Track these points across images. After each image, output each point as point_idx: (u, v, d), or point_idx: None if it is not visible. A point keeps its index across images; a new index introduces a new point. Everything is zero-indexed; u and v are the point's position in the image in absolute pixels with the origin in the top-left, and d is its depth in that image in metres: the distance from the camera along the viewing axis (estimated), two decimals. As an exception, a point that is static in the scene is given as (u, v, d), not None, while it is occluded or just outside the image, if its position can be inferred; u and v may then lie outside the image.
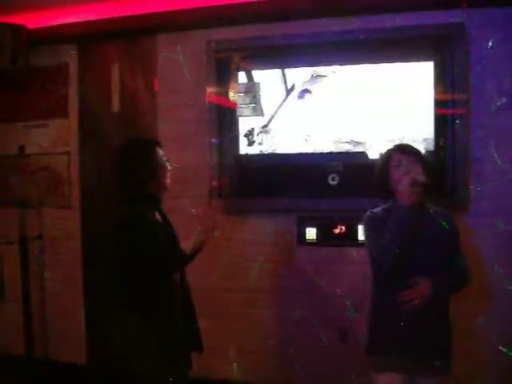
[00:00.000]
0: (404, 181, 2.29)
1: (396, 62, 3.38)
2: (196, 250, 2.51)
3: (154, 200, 2.52)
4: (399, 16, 3.31)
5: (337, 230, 3.48)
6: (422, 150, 2.78)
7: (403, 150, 2.43)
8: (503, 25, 3.25)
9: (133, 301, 2.42)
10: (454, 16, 3.25)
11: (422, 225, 2.35)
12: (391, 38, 3.33)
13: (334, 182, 3.46)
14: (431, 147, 3.29)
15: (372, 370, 2.46)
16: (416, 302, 2.31)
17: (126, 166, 2.51)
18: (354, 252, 3.40)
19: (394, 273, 2.32)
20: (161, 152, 2.57)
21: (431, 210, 2.45)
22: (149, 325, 2.39)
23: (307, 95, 3.49)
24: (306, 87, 3.48)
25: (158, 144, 2.59)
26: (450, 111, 3.25)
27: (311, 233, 3.54)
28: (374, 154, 3.36)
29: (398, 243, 2.25)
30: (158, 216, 2.50)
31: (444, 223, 2.40)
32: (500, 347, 3.08)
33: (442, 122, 3.29)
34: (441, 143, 3.28)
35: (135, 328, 2.40)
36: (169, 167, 2.58)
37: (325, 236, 3.51)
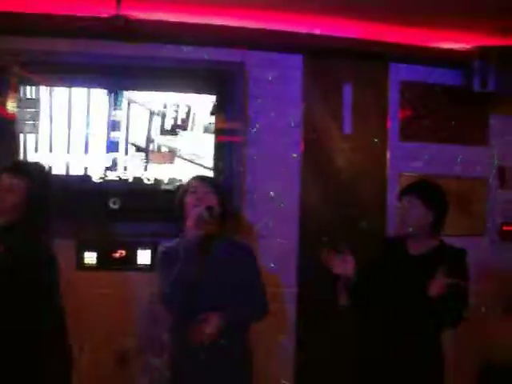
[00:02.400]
0: (191, 214, 2.28)
1: (182, 92, 3.50)
2: None
3: None
4: (190, 49, 3.45)
5: (117, 255, 3.42)
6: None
7: (202, 180, 2.45)
8: (278, 67, 3.60)
9: None
10: (236, 55, 3.52)
11: (213, 256, 2.36)
12: (180, 68, 3.45)
13: (115, 206, 3.41)
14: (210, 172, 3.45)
15: None
16: (205, 338, 2.25)
17: None
18: (134, 276, 3.39)
19: (185, 310, 2.27)
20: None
21: (226, 242, 2.45)
22: None
23: None
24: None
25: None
26: (228, 140, 3.48)
27: (90, 257, 3.43)
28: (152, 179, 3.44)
29: (184, 279, 2.22)
30: None
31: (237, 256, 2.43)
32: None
33: (221, 152, 3.49)
34: (219, 171, 3.46)
35: None
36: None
37: (104, 260, 3.42)
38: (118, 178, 3.41)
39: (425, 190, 2.53)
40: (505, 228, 4.11)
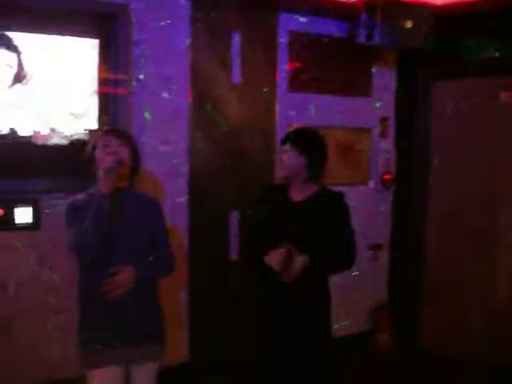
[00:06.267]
0: (102, 166, 2.27)
1: (60, 34, 3.20)
2: None
3: None
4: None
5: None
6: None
7: (114, 133, 2.40)
8: (165, 12, 3.42)
9: None
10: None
11: (124, 210, 2.31)
12: (56, 9, 3.15)
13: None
14: (95, 125, 3.25)
15: (86, 367, 2.34)
16: (118, 291, 2.26)
17: None
18: (12, 236, 3.16)
19: (96, 262, 2.25)
20: None
21: (135, 195, 2.43)
22: None
23: None
24: None
25: None
26: (113, 90, 3.26)
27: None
28: (26, 133, 3.13)
29: (96, 232, 2.19)
30: None
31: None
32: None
33: (106, 101, 3.28)
34: (104, 122, 3.27)
35: None
36: None
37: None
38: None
39: (297, 136, 2.59)
40: (386, 177, 4.32)
